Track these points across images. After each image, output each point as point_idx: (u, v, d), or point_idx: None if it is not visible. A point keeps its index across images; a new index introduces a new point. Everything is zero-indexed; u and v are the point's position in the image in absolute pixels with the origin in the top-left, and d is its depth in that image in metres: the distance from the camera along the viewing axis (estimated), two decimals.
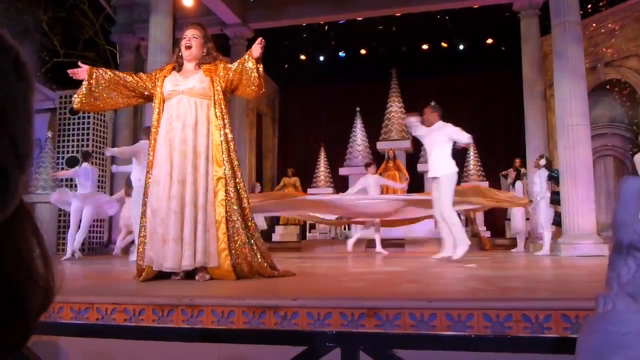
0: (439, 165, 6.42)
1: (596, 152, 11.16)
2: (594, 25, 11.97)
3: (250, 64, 3.88)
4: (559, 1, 8.36)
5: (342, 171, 14.49)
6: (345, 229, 12.27)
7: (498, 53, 14.76)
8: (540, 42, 11.48)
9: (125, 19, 12.87)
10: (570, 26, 8.22)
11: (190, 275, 3.73)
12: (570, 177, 7.97)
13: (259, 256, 3.81)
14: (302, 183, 14.94)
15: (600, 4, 12.03)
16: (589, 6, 11.82)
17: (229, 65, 4.03)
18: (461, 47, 14.76)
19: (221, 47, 12.77)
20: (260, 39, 3.87)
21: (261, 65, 3.90)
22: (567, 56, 8.16)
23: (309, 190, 14.09)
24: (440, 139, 6.44)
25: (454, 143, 6.51)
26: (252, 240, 3.80)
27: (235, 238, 3.73)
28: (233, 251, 3.70)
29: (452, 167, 6.39)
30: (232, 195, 3.80)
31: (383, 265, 6.10)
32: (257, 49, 3.83)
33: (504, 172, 11.68)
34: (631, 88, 11.80)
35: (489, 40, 14.92)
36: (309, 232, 13.84)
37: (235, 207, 3.79)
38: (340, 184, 14.31)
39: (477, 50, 14.86)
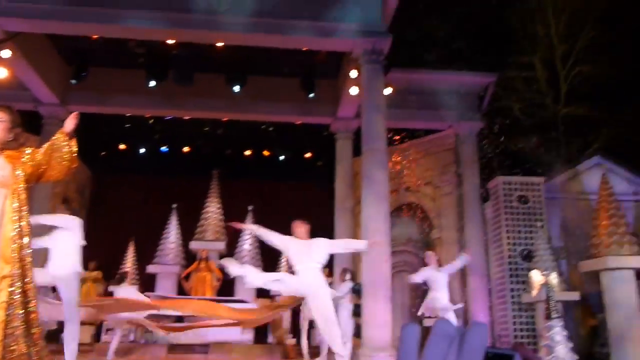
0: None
1: (394, 267, 12.12)
2: (398, 153, 13.52)
3: (61, 139, 3.64)
4: (369, 130, 9.32)
5: (151, 268, 13.81)
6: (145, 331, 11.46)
7: (315, 167, 15.77)
8: (352, 162, 12.56)
9: None
10: (378, 154, 9.15)
11: None
12: (371, 292, 8.50)
13: None
14: (107, 278, 13.84)
15: (403, 134, 13.67)
16: (397, 137, 13.39)
17: (35, 150, 3.73)
18: (282, 157, 15.52)
19: (32, 125, 11.93)
20: (75, 113, 3.68)
21: (74, 141, 3.66)
22: (374, 179, 9.00)
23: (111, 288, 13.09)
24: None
25: None
26: (33, 351, 3.35)
27: (13, 347, 3.26)
28: None
29: None
30: (16, 297, 3.36)
31: None
32: (70, 122, 3.63)
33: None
34: (425, 212, 13.31)
35: (308, 155, 15.92)
36: (105, 334, 12.66)
37: (18, 311, 3.34)
38: (148, 282, 13.56)
39: (296, 162, 15.72)
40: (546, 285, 7.58)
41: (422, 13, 16.00)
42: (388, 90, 10.65)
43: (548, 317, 7.01)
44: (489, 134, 14.04)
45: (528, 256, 10.64)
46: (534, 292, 9.79)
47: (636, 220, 11.12)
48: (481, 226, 11.84)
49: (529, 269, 10.37)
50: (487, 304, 11.40)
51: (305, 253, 6.00)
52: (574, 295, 10.07)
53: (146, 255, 14.08)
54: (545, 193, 11.34)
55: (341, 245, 6.60)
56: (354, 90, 10.79)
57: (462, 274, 12.00)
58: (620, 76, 14.63)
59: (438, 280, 8.24)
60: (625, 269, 9.11)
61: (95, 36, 10.72)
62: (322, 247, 6.01)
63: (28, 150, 3.69)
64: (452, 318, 7.94)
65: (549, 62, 15.63)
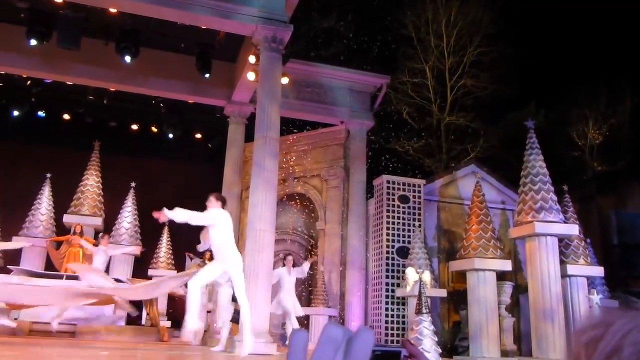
0: None
1: (276, 255, 12.23)
2: (290, 142, 13.59)
3: None
4: (264, 117, 9.27)
5: (17, 240, 12.76)
6: None
7: (204, 149, 15.44)
8: (243, 147, 12.45)
9: None
10: (271, 142, 9.13)
11: None
12: (253, 278, 8.49)
13: None
14: None
15: (291, 126, 13.75)
16: (290, 126, 13.44)
17: None
18: (171, 135, 14.98)
19: None
20: None
21: None
22: (264, 167, 8.98)
23: None
24: None
25: None
26: None
27: None
28: None
29: None
30: None
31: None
32: None
33: (190, 253, 11.81)
34: (311, 202, 13.53)
35: (198, 135, 15.53)
36: None
37: None
38: (13, 255, 12.55)
39: (185, 141, 15.25)
40: (420, 281, 8.02)
41: (322, 9, 16.23)
42: (285, 80, 10.68)
43: (418, 311, 7.42)
44: (378, 133, 14.57)
45: (404, 253, 11.19)
46: (408, 288, 10.34)
47: (501, 227, 12.10)
48: (363, 221, 12.26)
49: (404, 266, 10.92)
50: (363, 295, 11.85)
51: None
52: (442, 292, 10.79)
53: (13, 225, 12.99)
54: (425, 195, 11.97)
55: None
56: (251, 76, 10.68)
57: (342, 266, 12.39)
58: (499, 92, 15.84)
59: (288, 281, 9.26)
60: (489, 270, 9.89)
61: None
62: None
63: None
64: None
65: (438, 71, 16.51)
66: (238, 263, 6.59)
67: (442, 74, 16.53)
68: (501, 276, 10.45)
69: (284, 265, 9.68)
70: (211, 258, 11.03)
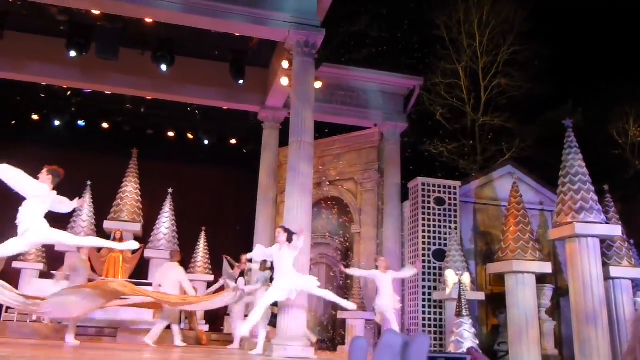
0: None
1: (312, 259, 12.27)
2: (324, 146, 13.64)
3: None
4: (298, 122, 9.32)
5: (59, 246, 13.13)
6: None
7: (239, 154, 15.61)
8: (278, 152, 12.55)
9: None
10: (305, 146, 9.17)
11: None
12: None
13: None
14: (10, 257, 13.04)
15: (326, 130, 13.80)
16: (325, 130, 13.50)
17: None
18: (206, 141, 15.23)
19: None
20: None
21: None
22: (299, 171, 9.02)
23: (15, 264, 12.46)
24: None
25: None
26: None
27: None
28: None
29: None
30: None
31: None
32: None
33: (228, 257, 11.88)
34: (346, 206, 13.54)
35: (233, 141, 15.72)
36: (6, 312, 11.98)
37: None
38: (55, 261, 12.92)
39: (220, 147, 15.47)
40: (459, 284, 7.93)
41: (355, 13, 16.24)
42: (318, 84, 10.72)
43: (459, 314, 7.33)
44: (412, 135, 14.48)
45: (441, 256, 11.08)
46: (448, 290, 10.23)
47: (540, 228, 11.88)
48: (399, 224, 12.20)
49: (441, 269, 10.82)
50: (399, 299, 11.76)
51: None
52: (480, 295, 10.65)
53: None
54: (460, 197, 11.84)
55: None
56: (284, 81, 10.75)
57: None
58: (534, 91, 15.56)
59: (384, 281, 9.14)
60: (528, 273, 9.71)
61: None
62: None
63: None
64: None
65: (472, 71, 16.32)
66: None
67: (476, 74, 16.33)
68: (541, 279, 10.25)
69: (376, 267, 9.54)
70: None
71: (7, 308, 11.89)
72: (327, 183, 13.77)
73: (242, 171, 15.39)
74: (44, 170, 6.16)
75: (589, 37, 16.52)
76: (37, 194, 5.85)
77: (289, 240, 7.55)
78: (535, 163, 14.05)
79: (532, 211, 11.46)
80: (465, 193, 12.09)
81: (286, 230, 7.73)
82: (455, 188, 11.84)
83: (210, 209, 14.85)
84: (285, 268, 7.52)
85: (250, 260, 10.27)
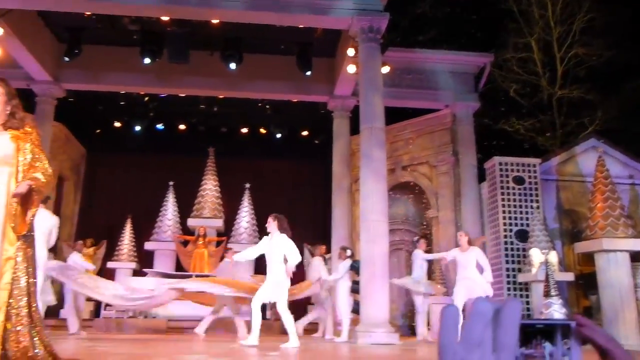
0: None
1: (391, 245, 12.21)
2: (395, 131, 13.49)
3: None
4: (368, 108, 9.28)
5: (148, 245, 13.83)
6: None
7: (311, 145, 15.76)
8: (349, 140, 12.54)
9: None
10: (376, 132, 9.13)
11: None
12: (369, 269, 8.56)
13: (40, 349, 3.31)
14: (105, 255, 13.87)
15: (396, 115, 13.61)
16: (395, 115, 13.34)
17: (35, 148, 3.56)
18: (278, 135, 15.49)
19: (25, 103, 11.73)
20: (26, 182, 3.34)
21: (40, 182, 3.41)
22: (372, 158, 8.99)
23: (110, 264, 13.23)
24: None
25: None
26: (34, 332, 3.32)
27: (18, 329, 3.25)
28: (10, 343, 3.20)
29: None
30: (20, 279, 3.32)
31: (185, 353, 5.80)
32: (23, 186, 3.32)
33: (308, 245, 11.96)
34: (421, 190, 13.35)
35: (305, 133, 15.89)
36: (104, 309, 12.74)
37: (21, 292, 3.31)
38: (146, 259, 13.61)
39: (292, 140, 15.69)
40: (546, 263, 7.63)
41: None
42: (385, 69, 10.61)
43: (547, 294, 7.06)
44: (485, 114, 14.04)
45: (524, 236, 10.71)
46: (534, 270, 9.83)
47: (631, 203, 11.21)
48: (477, 206, 11.90)
49: (524, 250, 10.46)
50: (491, 280, 11.49)
51: None
52: (569, 276, 10.19)
53: (143, 232, 14.10)
54: (541, 174, 11.38)
55: None
56: (351, 69, 10.72)
57: None
58: (616, 59, 14.63)
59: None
60: (620, 251, 9.21)
61: (88, 13, 10.55)
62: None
63: (28, 129, 3.59)
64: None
65: (545, 43, 15.59)
66: None
67: (550, 46, 15.58)
68: (635, 257, 9.68)
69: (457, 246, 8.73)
70: (327, 251, 11.21)
71: (106, 305, 12.64)
72: (401, 168, 13.63)
73: (314, 162, 15.53)
74: None
75: None
76: None
77: (281, 228, 6.89)
78: (621, 135, 13.25)
79: (622, 186, 10.84)
80: (546, 170, 11.60)
81: (276, 217, 7.00)
82: (535, 166, 11.39)
83: (286, 201, 15.09)
84: (273, 264, 6.79)
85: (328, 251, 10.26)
